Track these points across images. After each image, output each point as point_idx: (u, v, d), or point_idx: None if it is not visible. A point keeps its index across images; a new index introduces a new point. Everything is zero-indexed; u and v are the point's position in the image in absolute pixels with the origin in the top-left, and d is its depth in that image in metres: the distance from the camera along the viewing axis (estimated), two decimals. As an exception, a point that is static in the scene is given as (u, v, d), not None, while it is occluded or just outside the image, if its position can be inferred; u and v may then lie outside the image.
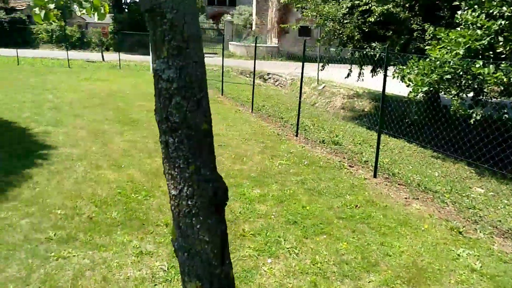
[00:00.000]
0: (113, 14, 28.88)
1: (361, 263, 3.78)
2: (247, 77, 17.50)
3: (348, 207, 4.98)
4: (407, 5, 8.42)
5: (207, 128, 1.54)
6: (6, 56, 20.63)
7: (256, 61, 10.71)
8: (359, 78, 10.85)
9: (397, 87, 8.54)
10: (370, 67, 10.98)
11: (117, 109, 9.51)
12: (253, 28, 32.36)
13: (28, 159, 5.78)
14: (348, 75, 11.13)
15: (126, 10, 30.91)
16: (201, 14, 40.86)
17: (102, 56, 22.65)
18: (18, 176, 5.18)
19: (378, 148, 6.12)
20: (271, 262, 3.69)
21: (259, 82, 15.86)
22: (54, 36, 29.41)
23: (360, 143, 8.00)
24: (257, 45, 11.07)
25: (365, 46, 9.62)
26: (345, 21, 9.77)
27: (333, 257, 3.86)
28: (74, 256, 3.59)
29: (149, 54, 18.91)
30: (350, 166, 6.58)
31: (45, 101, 10.02)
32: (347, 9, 9.61)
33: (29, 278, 3.26)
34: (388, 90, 6.61)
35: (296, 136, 8.15)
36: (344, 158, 6.97)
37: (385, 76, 5.96)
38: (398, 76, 7.20)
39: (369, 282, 3.51)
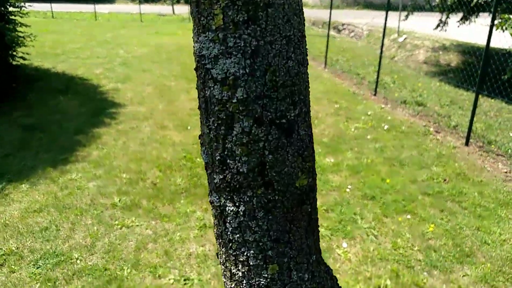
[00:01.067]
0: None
1: (453, 251, 3.23)
2: (320, 28, 16.45)
3: (435, 181, 4.36)
4: None
5: (307, 185, 0.84)
6: (85, 12, 21.28)
7: (330, 10, 9.81)
8: (442, 27, 9.59)
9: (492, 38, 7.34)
10: (458, 16, 9.63)
11: (184, 65, 9.31)
12: (328, -26, 30.37)
13: (98, 117, 5.76)
14: (438, 26, 9.88)
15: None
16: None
17: (173, 9, 22.59)
18: (87, 135, 5.16)
19: (474, 111, 5.27)
20: (347, 246, 3.28)
21: (332, 34, 14.81)
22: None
23: (447, 104, 7.07)
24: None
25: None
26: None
27: (418, 241, 3.35)
28: (137, 225, 3.44)
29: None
30: (436, 131, 5.81)
31: (117, 56, 10.08)
32: None
33: (93, 247, 3.17)
34: (479, 41, 5.62)
35: (375, 95, 7.40)
36: (429, 122, 6.18)
37: (492, 25, 4.99)
38: (501, 28, 6.12)
39: (463, 276, 2.98)
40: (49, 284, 2.77)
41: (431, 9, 10.10)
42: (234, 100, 0.77)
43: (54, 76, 7.91)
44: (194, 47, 0.82)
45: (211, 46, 0.77)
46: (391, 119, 6.17)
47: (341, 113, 6.34)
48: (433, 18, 10.44)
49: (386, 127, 5.81)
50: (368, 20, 15.77)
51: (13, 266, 2.92)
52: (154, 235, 3.32)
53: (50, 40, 11.86)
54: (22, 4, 6.89)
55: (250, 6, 0.73)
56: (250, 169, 0.79)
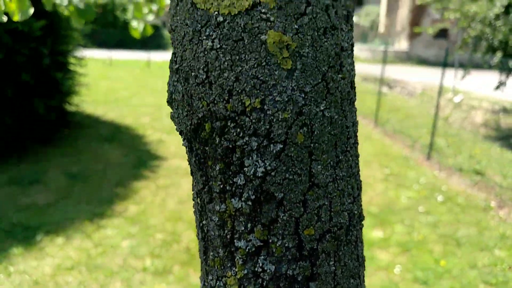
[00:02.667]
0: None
1: None
2: (371, 83, 16.27)
3: (498, 267, 3.85)
4: None
5: None
6: (140, 59, 22.51)
7: (382, 65, 9.63)
8: (501, 88, 9.12)
9: None
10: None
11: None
12: (380, 30, 30.56)
13: (139, 170, 5.76)
14: (498, 87, 9.42)
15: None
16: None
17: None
18: (127, 188, 5.13)
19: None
20: None
21: (384, 91, 14.57)
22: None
23: (511, 175, 6.49)
24: (385, 49, 9.97)
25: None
26: (498, 24, 8.16)
27: None
28: (164, 295, 3.23)
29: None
30: (499, 207, 5.27)
31: (165, 106, 10.35)
32: (503, 9, 8.00)
33: (117, 316, 2.97)
34: None
35: (428, 159, 6.96)
36: (490, 194, 5.65)
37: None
38: None
39: None
40: None
41: (490, 68, 9.67)
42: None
43: (103, 123, 8.17)
44: None
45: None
46: (446, 189, 5.71)
47: (391, 179, 5.96)
48: (491, 77, 9.95)
49: (440, 198, 5.36)
50: (422, 77, 15.43)
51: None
52: (181, 310, 3.09)
53: (104, 87, 12.48)
54: (82, 55, 7.28)
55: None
56: None
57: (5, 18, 1.69)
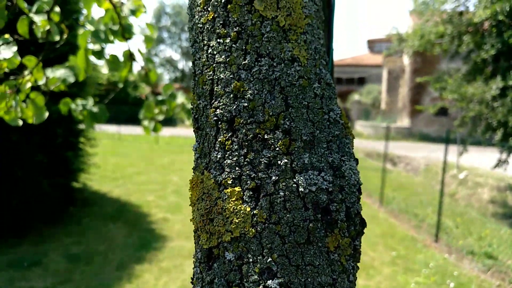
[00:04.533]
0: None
1: None
2: (375, 160, 16.40)
3: None
4: None
5: None
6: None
7: (385, 142, 9.77)
8: (501, 166, 9.15)
9: None
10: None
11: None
12: (382, 107, 31.49)
13: (142, 251, 5.67)
14: (497, 165, 9.46)
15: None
16: (328, 92, 41.58)
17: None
18: (129, 272, 5.01)
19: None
20: None
21: (388, 167, 14.63)
22: (190, 117, 32.42)
23: (523, 258, 6.28)
24: (387, 126, 10.19)
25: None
26: (496, 104, 8.40)
27: None
28: None
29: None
30: (513, 294, 5.05)
31: (170, 183, 10.41)
32: (498, 91, 8.28)
33: None
34: None
35: (436, 241, 6.80)
36: (504, 280, 5.44)
37: None
38: None
39: None
40: None
41: (491, 145, 9.79)
42: None
43: (109, 201, 8.19)
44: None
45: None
46: (457, 274, 5.51)
47: (399, 262, 5.79)
48: (495, 154, 10.00)
49: (452, 285, 5.16)
50: (425, 153, 15.57)
51: None
52: None
53: (112, 164, 12.67)
54: (93, 137, 7.51)
55: None
56: None
57: (20, 123, 1.79)
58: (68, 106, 2.11)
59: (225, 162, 0.66)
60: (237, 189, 0.65)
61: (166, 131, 25.02)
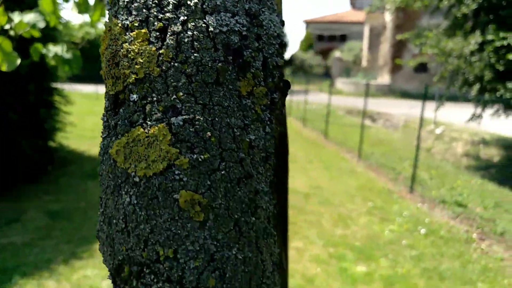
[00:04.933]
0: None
1: None
2: (355, 117, 16.55)
3: (482, 302, 3.85)
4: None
5: None
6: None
7: (365, 99, 9.85)
8: (476, 121, 9.42)
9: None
10: (494, 108, 9.45)
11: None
12: (363, 64, 31.41)
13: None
14: (471, 119, 9.71)
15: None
16: (309, 50, 41.18)
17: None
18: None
19: (521, 220, 4.81)
20: None
21: (367, 123, 14.81)
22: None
23: (492, 206, 6.58)
24: (367, 83, 10.24)
25: (497, 87, 8.22)
26: (473, 59, 8.49)
27: None
28: None
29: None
30: (480, 239, 5.32)
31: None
32: (477, 46, 8.34)
33: None
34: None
35: (411, 193, 7.03)
36: (471, 226, 5.70)
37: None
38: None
39: None
40: None
41: (468, 101, 9.99)
42: None
43: (86, 159, 8.12)
44: None
45: None
46: (429, 221, 5.75)
47: (375, 212, 5.99)
48: (471, 109, 10.22)
49: (423, 231, 5.39)
50: (405, 109, 15.77)
51: None
52: None
53: (90, 123, 12.46)
54: (67, 93, 7.32)
55: None
56: None
57: (-9, 69, 1.73)
58: (39, 52, 2.03)
59: (132, 6, 0.62)
60: (143, 30, 0.62)
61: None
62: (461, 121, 12.53)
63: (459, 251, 4.88)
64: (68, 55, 2.22)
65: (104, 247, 0.69)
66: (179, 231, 0.61)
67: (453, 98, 11.83)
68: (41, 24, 2.05)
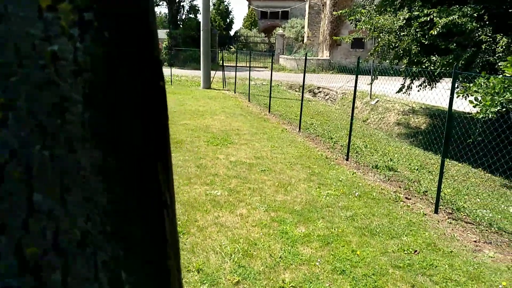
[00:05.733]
0: (168, 30, 29.55)
1: (423, 332, 3.12)
2: (296, 91, 16.99)
3: (406, 252, 4.30)
4: (475, 15, 7.56)
5: None
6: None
7: (307, 74, 10.19)
8: (406, 92, 10.14)
9: (457, 102, 7.67)
10: (420, 80, 10.20)
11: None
12: (305, 41, 31.96)
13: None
14: (400, 90, 10.39)
15: (181, 26, 31.47)
16: (253, 27, 41.08)
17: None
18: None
19: (440, 178, 5.36)
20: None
21: (308, 97, 15.28)
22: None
23: (417, 168, 7.20)
24: (307, 58, 10.55)
25: (423, 60, 8.82)
26: (402, 34, 9.03)
27: (388, 321, 3.23)
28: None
29: (199, 69, 19.02)
30: (406, 198, 5.85)
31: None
32: (404, 21, 8.87)
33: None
34: (445, 104, 5.90)
35: (347, 160, 7.50)
36: (399, 187, 6.25)
37: (452, 98, 5.23)
38: (462, 95, 6.43)
39: None
40: None
41: (397, 74, 10.64)
42: None
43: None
44: None
45: None
46: (362, 185, 6.21)
47: (314, 179, 6.36)
48: (400, 83, 10.91)
49: (357, 193, 5.83)
50: (342, 83, 16.39)
51: None
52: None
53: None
54: None
55: None
56: None
57: None
58: None
59: None
60: None
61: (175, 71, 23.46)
62: (394, 93, 13.32)
63: (388, 210, 5.35)
64: None
65: None
66: None
67: (386, 72, 12.51)
68: None
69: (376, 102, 13.15)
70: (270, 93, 12.39)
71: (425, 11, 8.21)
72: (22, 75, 0.67)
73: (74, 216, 0.76)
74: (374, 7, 10.74)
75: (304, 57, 10.67)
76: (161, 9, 47.85)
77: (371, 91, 13.75)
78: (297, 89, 17.35)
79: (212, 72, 18.20)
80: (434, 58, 8.24)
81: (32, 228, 0.70)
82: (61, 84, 0.71)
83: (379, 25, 9.60)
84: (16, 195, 0.69)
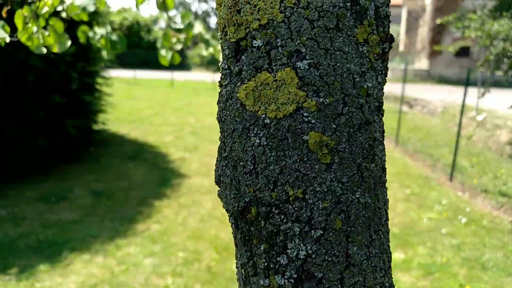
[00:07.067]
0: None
1: None
2: (391, 103, 16.17)
3: (526, 293, 3.75)
4: None
5: None
6: (163, 79, 22.96)
7: (402, 84, 9.60)
8: None
9: None
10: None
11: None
12: (400, 48, 30.50)
13: (161, 188, 5.87)
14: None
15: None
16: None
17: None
18: (149, 207, 5.23)
19: None
20: None
21: (404, 109, 14.45)
22: (205, 59, 32.07)
23: (538, 196, 6.33)
24: (405, 68, 9.96)
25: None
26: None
27: None
28: (185, 315, 3.27)
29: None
30: (525, 229, 5.14)
31: (187, 124, 10.52)
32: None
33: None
34: None
35: (450, 180, 6.86)
36: (516, 216, 5.52)
37: None
38: None
39: None
40: None
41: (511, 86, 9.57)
42: None
43: (127, 142, 8.37)
44: None
45: None
46: (469, 210, 5.61)
47: (413, 199, 5.90)
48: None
49: (464, 220, 5.27)
50: (443, 95, 15.26)
51: None
52: (202, 329, 3.11)
53: (128, 107, 12.78)
54: (109, 75, 7.54)
55: None
56: None
57: (44, 50, 1.81)
58: (86, 34, 2.10)
59: None
60: None
61: (180, 75, 24.88)
62: (505, 108, 12.02)
63: (502, 242, 4.74)
64: (114, 37, 2.29)
65: (227, 191, 0.72)
66: (308, 172, 0.63)
67: (496, 84, 11.34)
68: (91, 8, 2.11)
69: (484, 118, 11.97)
70: (364, 104, 11.87)
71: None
72: (347, 115, 0.63)
73: (375, 270, 0.70)
74: (487, 12, 9.79)
75: (400, 66, 10.08)
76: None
77: (477, 104, 12.56)
78: (391, 100, 16.52)
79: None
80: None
81: (346, 282, 0.66)
82: (372, 123, 0.66)
83: (492, 32, 8.72)
84: (336, 246, 0.64)
